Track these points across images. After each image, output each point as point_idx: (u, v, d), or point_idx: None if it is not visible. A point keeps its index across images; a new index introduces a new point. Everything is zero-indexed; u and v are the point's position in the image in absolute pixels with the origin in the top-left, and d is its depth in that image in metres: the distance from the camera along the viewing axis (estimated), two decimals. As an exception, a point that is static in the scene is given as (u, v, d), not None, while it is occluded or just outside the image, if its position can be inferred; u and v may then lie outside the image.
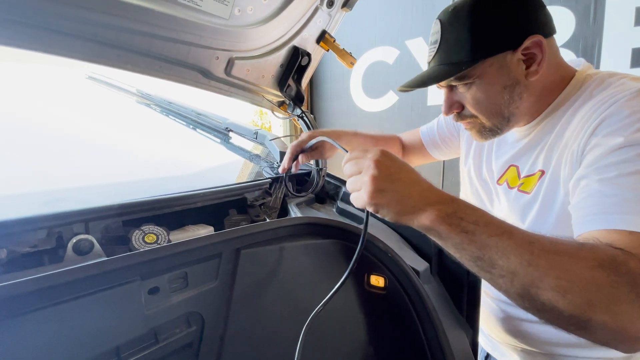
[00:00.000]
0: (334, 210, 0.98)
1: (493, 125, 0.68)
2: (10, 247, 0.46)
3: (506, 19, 0.60)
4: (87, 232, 0.54)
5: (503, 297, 0.76)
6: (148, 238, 0.57)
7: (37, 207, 0.51)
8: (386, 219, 0.49)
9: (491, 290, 0.82)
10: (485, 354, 0.89)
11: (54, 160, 0.89)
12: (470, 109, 0.68)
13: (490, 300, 0.80)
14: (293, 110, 1.05)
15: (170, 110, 1.43)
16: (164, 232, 0.60)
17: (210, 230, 0.72)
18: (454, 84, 0.66)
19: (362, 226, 0.77)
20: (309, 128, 1.03)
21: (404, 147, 1.09)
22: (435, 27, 0.65)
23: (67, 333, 0.44)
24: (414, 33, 2.27)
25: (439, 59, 0.64)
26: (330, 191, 1.06)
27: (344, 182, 1.06)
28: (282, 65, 0.95)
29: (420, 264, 0.80)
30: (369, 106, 2.54)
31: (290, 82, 0.98)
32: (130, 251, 0.56)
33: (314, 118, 1.08)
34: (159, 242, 0.58)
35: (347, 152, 0.55)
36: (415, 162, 1.10)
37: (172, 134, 1.44)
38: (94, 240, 0.53)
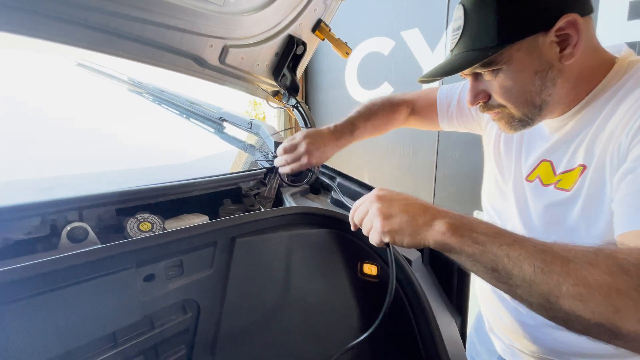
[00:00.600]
0: (328, 200, 0.99)
1: (523, 115, 0.62)
2: (4, 234, 0.45)
3: None
4: (81, 220, 0.53)
5: None
6: (143, 226, 0.57)
7: (30, 195, 0.51)
8: (404, 245, 0.50)
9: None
10: None
11: (46, 149, 0.88)
12: (497, 98, 0.62)
13: (517, 305, 0.77)
14: (288, 100, 1.05)
15: (163, 99, 1.41)
16: (159, 220, 0.60)
17: (205, 219, 0.72)
18: (479, 71, 0.61)
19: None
20: (303, 118, 1.03)
21: (413, 110, 1.01)
22: (458, 13, 0.60)
23: (63, 319, 0.44)
24: (410, 24, 2.25)
25: (462, 45, 0.60)
26: (324, 182, 1.06)
27: (338, 173, 1.07)
28: (277, 54, 0.94)
29: (413, 254, 0.82)
30: (364, 97, 2.53)
31: (285, 71, 0.97)
32: (125, 239, 0.56)
33: (309, 109, 1.08)
34: (154, 230, 0.58)
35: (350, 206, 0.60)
36: (417, 126, 1.04)
37: (165, 123, 1.42)
38: (89, 228, 0.52)
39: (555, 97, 0.60)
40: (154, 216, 0.60)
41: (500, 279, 0.45)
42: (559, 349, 0.71)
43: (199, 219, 0.71)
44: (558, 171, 0.64)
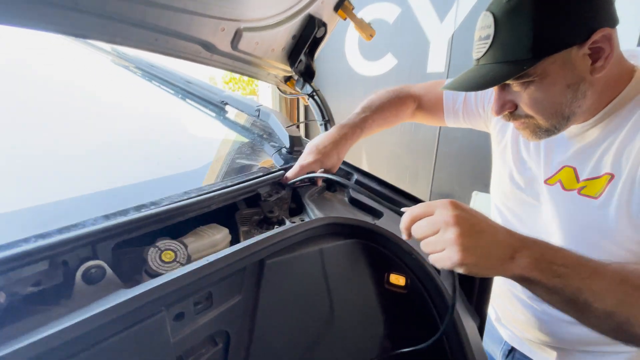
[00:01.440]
0: (346, 199, 0.94)
1: (551, 125, 0.62)
2: (10, 288, 0.38)
3: (574, 11, 0.53)
4: (95, 256, 0.46)
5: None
6: (165, 256, 0.51)
7: (32, 229, 0.43)
8: (478, 275, 0.47)
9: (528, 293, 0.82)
10: (509, 348, 0.90)
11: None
12: (526, 109, 0.62)
13: (533, 304, 0.80)
14: (302, 88, 0.95)
15: (154, 74, 1.26)
16: (181, 246, 0.54)
17: (224, 232, 0.66)
18: (508, 82, 0.60)
19: (375, 221, 0.74)
20: (320, 109, 0.94)
21: (420, 105, 0.98)
22: (486, 21, 0.58)
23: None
24: (418, -11, 2.08)
25: (491, 56, 0.58)
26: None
27: (354, 168, 1.01)
28: (294, 37, 0.83)
29: (440, 262, 0.79)
30: (365, 69, 2.40)
31: (302, 56, 0.86)
32: (147, 273, 0.50)
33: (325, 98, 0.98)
34: (177, 259, 0.52)
35: (400, 213, 0.53)
36: (424, 122, 1.03)
37: (155, 104, 1.29)
38: (105, 266, 0.46)
39: (584, 107, 0.60)
40: (175, 242, 0.53)
41: (576, 308, 0.46)
42: (572, 339, 0.75)
43: (220, 234, 0.64)
44: (582, 177, 0.65)
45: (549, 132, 0.63)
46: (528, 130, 0.65)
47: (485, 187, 2.12)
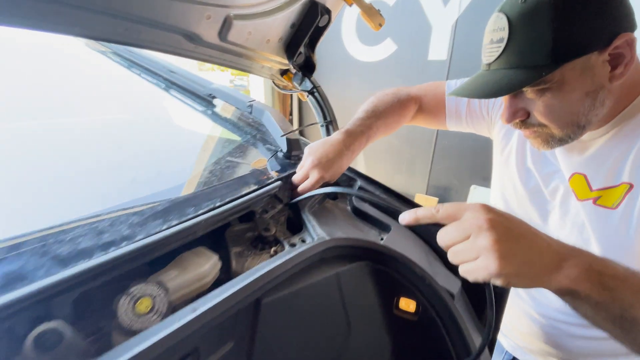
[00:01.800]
0: (349, 208, 0.85)
1: (565, 135, 0.59)
2: None
3: (596, 13, 0.49)
4: (50, 315, 0.37)
5: (552, 314, 0.74)
6: (140, 306, 0.42)
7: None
8: (517, 287, 0.40)
9: (538, 306, 0.78)
10: (511, 358, 0.89)
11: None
12: (540, 117, 0.58)
13: (538, 317, 0.78)
14: (301, 83, 0.84)
15: (133, 62, 1.13)
16: (161, 291, 0.44)
17: (213, 260, 0.57)
18: (522, 89, 0.56)
19: (382, 235, 0.66)
20: (321, 108, 0.83)
21: (420, 107, 0.93)
22: (500, 23, 0.53)
23: None
24: (422, -32, 1.94)
25: (505, 61, 0.54)
26: (341, 184, 0.91)
27: (357, 174, 0.92)
28: (293, 26, 0.71)
29: (454, 284, 0.73)
30: (363, 55, 2.27)
31: (302, 48, 0.75)
32: (118, 328, 0.41)
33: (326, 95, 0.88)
34: (155, 308, 0.43)
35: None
36: (424, 125, 0.97)
37: (135, 96, 1.16)
38: (63, 327, 0.36)
39: (600, 116, 0.58)
40: (152, 286, 0.44)
41: (623, 326, 0.40)
42: (578, 352, 0.73)
43: (207, 264, 0.55)
44: (594, 187, 0.62)
45: (562, 141, 0.60)
46: (540, 139, 0.62)
47: (483, 180, 2.06)
